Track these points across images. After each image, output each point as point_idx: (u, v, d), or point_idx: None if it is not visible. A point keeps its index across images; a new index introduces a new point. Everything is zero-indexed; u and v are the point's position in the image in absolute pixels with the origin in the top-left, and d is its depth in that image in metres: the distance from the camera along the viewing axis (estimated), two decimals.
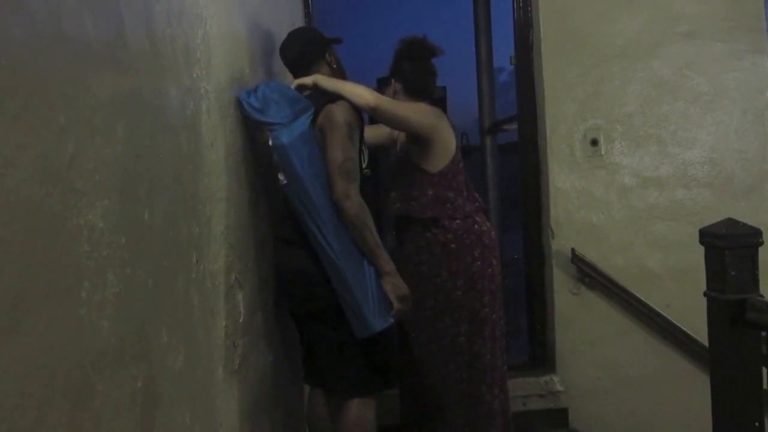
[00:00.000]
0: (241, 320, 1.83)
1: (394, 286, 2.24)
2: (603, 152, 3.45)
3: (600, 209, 3.45)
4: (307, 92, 2.28)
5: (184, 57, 1.48)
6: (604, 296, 3.43)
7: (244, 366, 1.83)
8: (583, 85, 3.46)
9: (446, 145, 2.62)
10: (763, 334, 1.83)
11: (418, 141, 2.59)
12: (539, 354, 3.56)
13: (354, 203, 2.13)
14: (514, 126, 3.85)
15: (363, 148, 2.29)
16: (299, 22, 3.36)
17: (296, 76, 2.40)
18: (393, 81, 2.72)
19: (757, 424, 1.85)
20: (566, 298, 3.45)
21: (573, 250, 3.40)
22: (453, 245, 2.59)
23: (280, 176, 2.16)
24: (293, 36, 2.44)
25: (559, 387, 3.44)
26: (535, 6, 3.50)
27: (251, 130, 2.14)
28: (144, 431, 1.12)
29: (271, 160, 2.18)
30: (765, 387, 1.87)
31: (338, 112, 2.19)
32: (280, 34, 2.45)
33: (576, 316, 3.44)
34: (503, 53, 3.84)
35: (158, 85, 1.30)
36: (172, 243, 1.34)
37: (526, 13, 3.54)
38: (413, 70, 2.69)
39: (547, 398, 3.45)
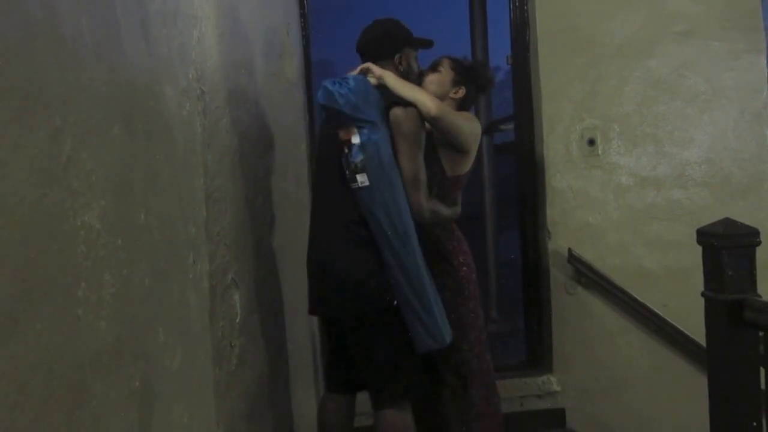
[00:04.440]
0: (237, 321, 1.83)
1: None
2: (600, 152, 3.45)
3: (597, 209, 3.45)
4: (372, 79, 2.29)
5: (180, 58, 1.48)
6: (601, 296, 3.43)
7: (240, 366, 1.83)
8: (579, 84, 3.46)
9: (474, 154, 2.62)
10: (761, 334, 1.83)
11: (457, 148, 2.54)
12: (536, 354, 3.56)
13: (425, 212, 2.27)
14: (510, 126, 3.85)
15: None
16: (294, 21, 3.36)
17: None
18: (461, 86, 2.63)
19: (754, 423, 1.85)
20: (563, 298, 3.45)
21: (570, 250, 3.40)
22: (440, 245, 2.55)
23: (359, 177, 2.14)
24: (374, 25, 2.43)
25: (556, 387, 3.44)
26: (531, 5, 3.50)
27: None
28: (141, 431, 1.11)
29: (348, 159, 2.15)
30: (762, 387, 1.88)
31: (409, 121, 2.22)
32: (276, 34, 2.44)
33: (573, 317, 3.44)
34: (500, 53, 3.84)
35: (154, 86, 1.30)
36: (169, 243, 1.33)
37: (522, 13, 3.54)
38: (475, 96, 2.72)
39: (544, 398, 3.45)
